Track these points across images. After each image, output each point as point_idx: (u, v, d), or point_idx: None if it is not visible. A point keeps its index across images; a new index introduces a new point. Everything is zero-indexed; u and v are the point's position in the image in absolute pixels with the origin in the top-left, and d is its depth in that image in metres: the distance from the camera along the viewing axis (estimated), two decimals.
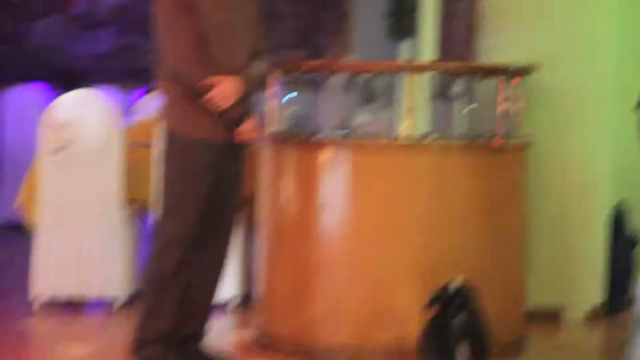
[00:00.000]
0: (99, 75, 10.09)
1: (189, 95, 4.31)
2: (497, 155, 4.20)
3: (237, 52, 4.34)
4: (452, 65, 4.64)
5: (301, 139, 4.18)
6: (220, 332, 4.81)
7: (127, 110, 8.15)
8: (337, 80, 4.30)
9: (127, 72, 10.26)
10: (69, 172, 5.45)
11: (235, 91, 4.29)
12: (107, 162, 5.45)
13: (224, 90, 4.27)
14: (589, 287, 5.03)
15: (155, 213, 4.65)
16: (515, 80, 4.26)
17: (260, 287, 4.60)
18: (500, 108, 4.24)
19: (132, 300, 5.40)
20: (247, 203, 5.32)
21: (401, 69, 4.24)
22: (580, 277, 5.00)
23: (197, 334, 4.33)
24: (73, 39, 10.38)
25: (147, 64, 9.83)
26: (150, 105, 6.34)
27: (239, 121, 4.37)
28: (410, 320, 4.06)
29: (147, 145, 5.45)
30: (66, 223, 5.44)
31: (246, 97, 4.38)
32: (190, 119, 4.33)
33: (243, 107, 4.37)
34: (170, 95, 4.36)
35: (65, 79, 8.65)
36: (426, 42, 7.63)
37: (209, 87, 4.26)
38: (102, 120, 5.47)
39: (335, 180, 4.16)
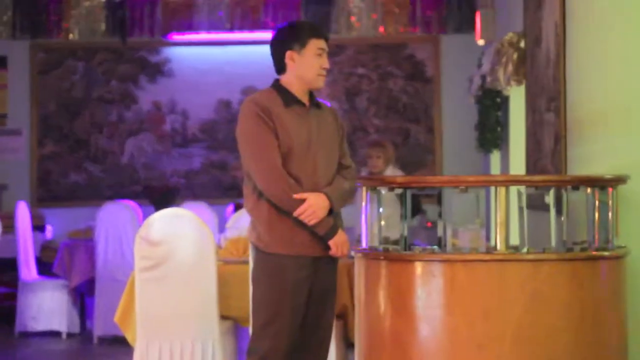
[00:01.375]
0: (188, 192, 10.27)
1: (276, 212, 4.36)
2: (594, 266, 4.15)
3: (315, 171, 4.41)
4: (542, 177, 4.63)
5: (392, 253, 4.18)
6: None
7: (219, 226, 8.28)
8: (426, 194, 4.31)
9: (216, 188, 10.43)
10: (165, 288, 5.51)
11: (322, 207, 4.34)
12: (202, 278, 5.49)
13: (312, 206, 4.32)
14: None
15: (250, 328, 4.68)
16: (608, 191, 4.25)
17: None
18: (593, 218, 4.21)
19: None
20: (343, 316, 5.33)
21: (493, 183, 4.24)
22: None
23: None
24: (163, 155, 10.61)
25: (235, 180, 10.02)
26: (241, 221, 6.42)
27: (328, 236, 4.41)
28: None
29: (241, 262, 5.50)
30: (163, 339, 5.48)
31: (333, 212, 4.43)
32: (280, 237, 4.37)
33: (331, 222, 4.42)
34: (257, 213, 4.41)
35: (156, 195, 8.81)
36: (515, 154, 7.68)
37: (298, 203, 4.31)
38: (196, 238, 5.52)
39: (428, 294, 4.15)
